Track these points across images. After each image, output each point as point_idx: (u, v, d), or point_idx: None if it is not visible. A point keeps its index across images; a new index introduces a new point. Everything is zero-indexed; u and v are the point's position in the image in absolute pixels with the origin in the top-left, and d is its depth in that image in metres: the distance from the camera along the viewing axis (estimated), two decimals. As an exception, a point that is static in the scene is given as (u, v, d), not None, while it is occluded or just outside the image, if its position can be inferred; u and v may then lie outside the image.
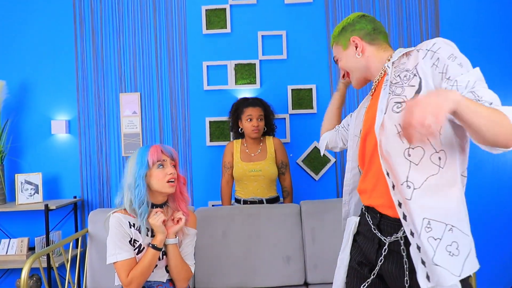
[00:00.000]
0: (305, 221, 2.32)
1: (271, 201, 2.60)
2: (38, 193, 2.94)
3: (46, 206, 2.71)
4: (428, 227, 1.08)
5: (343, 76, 1.55)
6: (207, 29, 3.11)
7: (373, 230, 1.28)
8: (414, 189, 1.10)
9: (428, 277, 1.08)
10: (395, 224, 1.20)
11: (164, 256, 1.72)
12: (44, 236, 2.79)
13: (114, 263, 1.62)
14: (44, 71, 3.14)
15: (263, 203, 2.56)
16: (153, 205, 1.73)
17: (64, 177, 3.12)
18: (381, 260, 1.22)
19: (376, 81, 1.33)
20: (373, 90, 1.36)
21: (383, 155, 1.16)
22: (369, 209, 1.32)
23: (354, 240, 1.39)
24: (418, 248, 1.10)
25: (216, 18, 3.11)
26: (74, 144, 3.12)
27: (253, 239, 2.27)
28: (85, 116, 3.13)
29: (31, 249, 2.98)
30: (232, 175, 2.65)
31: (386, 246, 1.21)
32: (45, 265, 2.69)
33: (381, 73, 1.31)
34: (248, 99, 2.71)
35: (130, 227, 1.66)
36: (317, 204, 2.38)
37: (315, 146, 3.07)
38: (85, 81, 3.13)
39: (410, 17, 3.09)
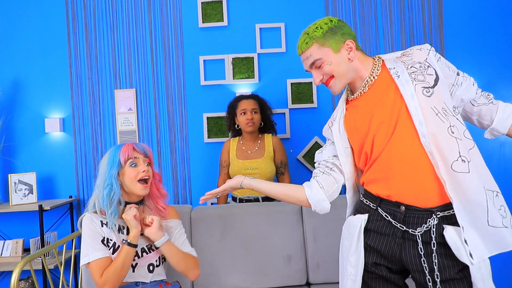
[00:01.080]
0: (306, 219, 2.25)
1: (268, 199, 2.52)
2: (32, 193, 2.87)
3: (40, 206, 2.64)
4: (491, 195, 1.16)
5: (320, 81, 1.37)
6: (203, 22, 3.03)
7: (394, 224, 1.25)
8: (468, 162, 1.17)
9: (471, 255, 1.13)
10: (424, 215, 1.21)
11: (144, 254, 1.64)
12: (39, 237, 2.73)
13: (87, 264, 1.55)
14: (36, 68, 3.06)
15: (258, 201, 2.49)
16: (128, 203, 1.67)
17: (59, 176, 3.05)
18: (435, 256, 1.20)
19: (371, 80, 1.33)
20: (362, 90, 1.34)
21: (430, 135, 1.18)
22: (382, 203, 1.28)
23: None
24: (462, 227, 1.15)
25: (212, 11, 3.03)
26: (68, 143, 3.05)
27: (253, 238, 2.20)
28: (79, 113, 3.05)
29: (27, 250, 2.92)
30: (228, 174, 2.58)
31: (420, 237, 1.21)
32: (40, 267, 2.63)
33: (375, 72, 1.32)
34: (243, 95, 2.64)
35: (102, 226, 1.61)
36: (318, 201, 2.30)
37: (316, 142, 2.99)
38: (79, 78, 3.05)
39: (412, 11, 3.00)
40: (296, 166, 2.99)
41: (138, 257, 1.62)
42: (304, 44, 1.33)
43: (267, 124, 2.63)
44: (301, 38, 1.35)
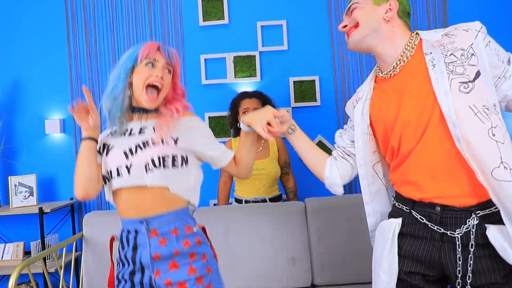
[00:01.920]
0: (310, 219, 2.20)
1: (275, 200, 2.48)
2: (33, 195, 2.84)
3: (40, 209, 2.61)
4: None
5: (344, 27, 1.28)
6: (204, 20, 2.99)
7: (430, 227, 1.14)
8: (511, 169, 1.03)
9: None
10: (462, 214, 1.09)
11: (139, 150, 1.33)
12: (40, 240, 2.69)
13: None
14: (36, 69, 3.03)
15: (266, 202, 2.43)
16: (138, 109, 1.40)
17: (59, 178, 3.01)
18: (471, 257, 1.08)
19: (403, 61, 1.19)
20: (393, 71, 1.21)
21: (464, 140, 1.05)
22: (416, 205, 1.18)
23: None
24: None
25: (213, 9, 2.99)
26: (69, 144, 3.02)
27: (256, 239, 2.16)
28: (79, 114, 3.01)
29: (27, 253, 2.89)
30: (230, 175, 2.52)
31: (459, 239, 1.09)
32: (41, 270, 2.59)
33: (408, 50, 1.19)
34: (246, 92, 2.58)
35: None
36: (322, 201, 2.26)
37: (320, 140, 2.94)
38: (79, 78, 3.02)
39: (416, 5, 2.95)
40: (299, 166, 2.93)
41: (132, 154, 1.33)
42: None
43: None
44: None
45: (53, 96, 3.02)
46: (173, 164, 1.33)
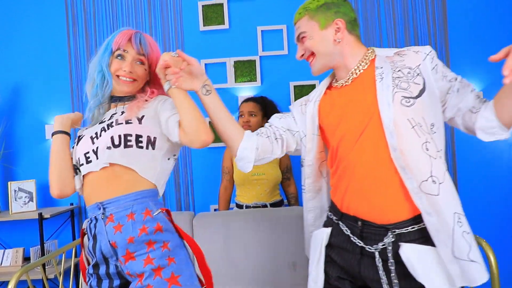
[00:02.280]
0: (311, 224, 2.18)
1: (276, 205, 2.46)
2: (32, 201, 2.83)
3: (40, 214, 2.59)
4: (459, 221, 1.07)
5: (302, 56, 1.32)
6: (204, 25, 2.99)
7: (352, 239, 1.19)
8: (440, 183, 1.08)
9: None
10: (380, 231, 1.14)
11: (103, 132, 1.29)
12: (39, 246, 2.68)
13: None
14: (37, 73, 3.03)
15: (266, 207, 2.42)
16: (115, 99, 1.39)
17: (59, 183, 3.00)
18: (394, 276, 1.11)
19: (355, 73, 1.23)
20: (345, 82, 1.26)
21: (399, 150, 1.10)
22: (343, 217, 1.23)
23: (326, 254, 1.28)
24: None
25: (213, 14, 2.99)
26: (69, 149, 3.01)
27: (257, 244, 2.14)
28: (80, 119, 3.01)
29: (27, 259, 2.87)
30: (231, 180, 2.52)
31: (377, 255, 1.13)
32: (40, 276, 2.58)
33: (362, 65, 1.23)
34: (249, 97, 2.59)
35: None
36: (324, 206, 2.25)
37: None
38: (80, 83, 3.02)
39: (416, 11, 2.95)
40: (301, 171, 2.93)
41: (97, 138, 1.29)
42: (297, 15, 1.29)
43: None
44: (298, 9, 1.29)
45: (54, 101, 3.02)
46: (138, 144, 1.26)
